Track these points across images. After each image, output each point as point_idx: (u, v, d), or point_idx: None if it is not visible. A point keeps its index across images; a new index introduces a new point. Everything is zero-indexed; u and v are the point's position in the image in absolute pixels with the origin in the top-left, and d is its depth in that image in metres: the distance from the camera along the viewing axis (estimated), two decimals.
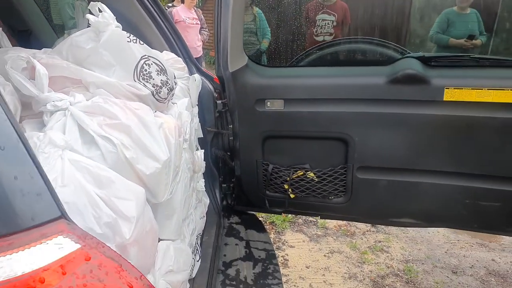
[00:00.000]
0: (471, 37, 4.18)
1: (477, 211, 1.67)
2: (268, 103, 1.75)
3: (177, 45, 1.87)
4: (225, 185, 2.10)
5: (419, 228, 2.95)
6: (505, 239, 2.90)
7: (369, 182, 1.77)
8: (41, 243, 0.57)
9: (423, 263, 2.63)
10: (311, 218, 3.11)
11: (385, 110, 1.65)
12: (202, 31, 5.19)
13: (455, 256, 2.71)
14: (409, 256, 2.70)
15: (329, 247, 2.79)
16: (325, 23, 4.51)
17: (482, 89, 1.52)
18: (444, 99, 1.57)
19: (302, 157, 1.82)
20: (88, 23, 1.15)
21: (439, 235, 2.94)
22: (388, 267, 2.59)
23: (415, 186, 1.70)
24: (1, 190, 0.57)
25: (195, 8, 5.25)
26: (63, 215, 0.63)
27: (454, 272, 2.55)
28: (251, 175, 1.91)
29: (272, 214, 3.04)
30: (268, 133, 1.81)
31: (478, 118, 1.55)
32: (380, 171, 1.74)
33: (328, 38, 4.45)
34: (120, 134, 1.03)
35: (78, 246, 0.59)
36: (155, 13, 1.77)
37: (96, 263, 0.59)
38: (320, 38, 4.47)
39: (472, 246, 2.82)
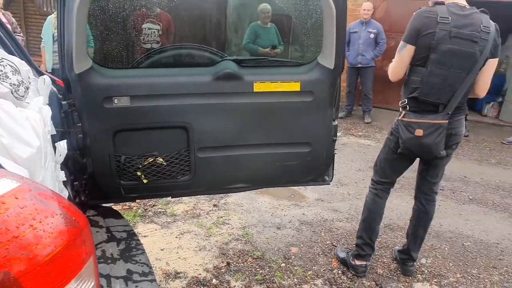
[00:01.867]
0: (274, 47, 5.20)
1: (285, 170, 2.35)
2: (116, 100, 2.04)
3: (15, 49, 1.98)
4: (76, 182, 2.27)
5: (252, 199, 3.65)
6: (310, 198, 3.85)
7: (208, 160, 2.26)
8: None
9: (256, 226, 3.30)
10: (160, 209, 3.46)
11: (213, 101, 2.16)
12: (16, 36, 4.86)
13: (278, 216, 3.49)
14: (245, 223, 3.35)
15: (179, 230, 3.20)
16: (151, 32, 4.91)
17: (277, 82, 2.19)
18: (254, 90, 2.18)
19: (151, 145, 2.18)
20: None
21: (265, 203, 3.69)
22: (230, 235, 3.16)
23: (242, 157, 2.27)
24: None
25: (3, 11, 4.88)
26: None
27: (278, 228, 3.30)
28: (105, 168, 2.16)
29: (123, 211, 3.26)
30: (118, 127, 2.10)
31: (277, 103, 2.21)
32: (215, 149, 2.25)
33: (156, 46, 4.84)
34: None
35: (20, 183, 0.86)
36: None
37: (36, 193, 0.87)
38: (148, 46, 4.83)
39: (289, 207, 3.66)
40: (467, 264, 2.91)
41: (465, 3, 2.23)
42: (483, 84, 2.31)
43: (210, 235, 3.15)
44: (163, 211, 3.46)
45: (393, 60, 2.36)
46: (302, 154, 2.33)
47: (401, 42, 2.27)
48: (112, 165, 2.15)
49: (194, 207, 3.56)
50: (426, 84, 2.22)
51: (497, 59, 2.28)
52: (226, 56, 2.27)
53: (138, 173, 2.20)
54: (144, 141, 2.17)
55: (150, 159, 2.19)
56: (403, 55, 2.26)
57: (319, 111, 2.25)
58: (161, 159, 2.21)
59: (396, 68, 2.34)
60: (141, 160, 2.18)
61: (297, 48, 2.41)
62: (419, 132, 2.25)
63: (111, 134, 2.10)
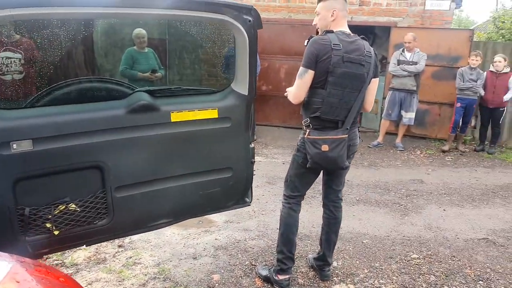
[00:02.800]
0: (154, 71, 5.12)
1: (208, 198, 2.34)
2: (14, 145, 1.79)
3: None
4: None
5: (160, 233, 3.50)
6: (218, 221, 3.87)
7: (127, 199, 2.12)
8: None
9: (171, 261, 3.17)
10: (56, 260, 3.06)
11: (129, 136, 2.06)
12: None
13: (191, 246, 3.41)
14: (159, 259, 3.18)
15: (86, 280, 2.88)
16: (11, 61, 4.36)
17: (194, 110, 2.19)
18: (172, 120, 2.14)
19: (61, 191, 1.95)
20: None
21: (175, 235, 3.58)
22: (145, 275, 2.97)
23: (164, 191, 2.19)
24: None
25: None
26: None
27: (194, 258, 3.23)
28: (4, 224, 1.86)
29: None
30: (19, 175, 1.84)
31: (196, 131, 2.21)
32: (134, 186, 2.13)
33: (18, 77, 4.31)
34: None
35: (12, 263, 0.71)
36: None
37: (31, 271, 0.73)
38: (8, 77, 4.27)
39: (200, 235, 3.62)
40: (370, 259, 3.29)
41: (349, 31, 2.58)
42: (370, 100, 2.68)
43: (123, 279, 2.91)
44: (60, 263, 3.07)
45: (294, 84, 2.54)
46: (225, 180, 2.36)
47: (302, 68, 2.47)
48: (13, 220, 1.86)
49: (96, 252, 3.24)
50: (326, 104, 2.47)
51: (378, 78, 2.68)
52: (137, 87, 2.19)
53: (48, 225, 1.95)
54: (52, 187, 1.94)
55: (61, 207, 1.97)
56: (305, 79, 2.47)
57: (238, 135, 2.32)
58: (74, 205, 2.00)
59: (299, 92, 2.53)
60: (50, 209, 1.94)
61: (210, 76, 2.45)
62: (325, 148, 2.48)
63: (11, 184, 1.83)
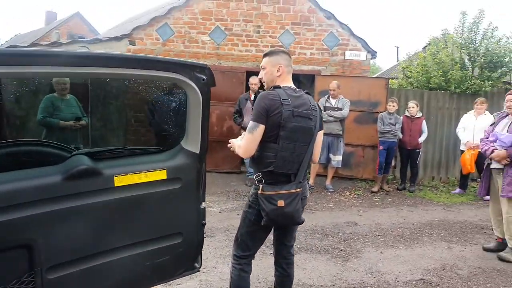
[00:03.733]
0: (78, 119, 4.76)
1: (156, 268, 2.11)
2: None
3: None
4: None
5: None
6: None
7: (61, 280, 1.82)
8: None
9: None
10: None
11: (65, 206, 1.80)
12: None
13: None
14: None
15: None
16: None
17: (141, 172, 2.00)
18: (115, 185, 1.92)
19: None
20: None
21: None
22: None
23: (106, 266, 1.93)
24: None
25: None
26: None
27: None
28: None
29: None
30: None
31: (143, 195, 2.01)
32: (71, 264, 1.85)
33: None
34: None
35: None
36: None
37: None
38: None
39: None
40: None
41: (295, 86, 2.61)
42: (317, 151, 2.71)
43: None
44: None
45: (244, 138, 2.48)
46: (174, 246, 2.16)
47: (252, 123, 2.42)
48: None
49: None
50: (279, 158, 2.43)
51: (323, 130, 2.73)
52: (75, 150, 1.95)
53: None
54: None
55: None
56: (256, 134, 2.42)
57: (188, 196, 2.17)
58: None
59: (250, 146, 2.46)
60: None
61: (157, 134, 2.28)
62: (280, 203, 2.41)
63: None
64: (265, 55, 2.65)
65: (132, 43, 8.04)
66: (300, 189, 2.51)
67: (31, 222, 1.70)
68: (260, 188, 2.47)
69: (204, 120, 2.09)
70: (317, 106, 2.63)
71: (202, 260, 3.99)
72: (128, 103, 2.18)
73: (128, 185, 1.97)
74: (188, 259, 2.26)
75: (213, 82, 2.07)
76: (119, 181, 1.94)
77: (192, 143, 2.12)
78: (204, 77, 2.02)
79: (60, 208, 1.77)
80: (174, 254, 2.17)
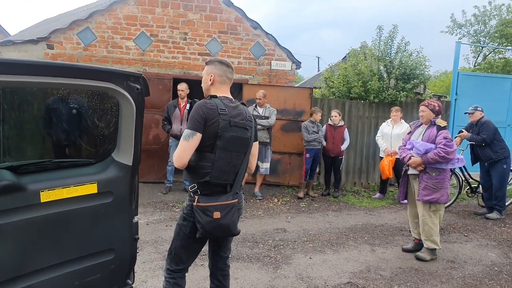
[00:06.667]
0: None
1: (86, 286, 2.04)
2: None
3: None
4: None
5: None
6: None
7: None
8: None
9: None
10: None
11: None
12: None
13: None
14: None
15: None
16: None
17: (70, 186, 1.93)
18: (42, 201, 1.83)
19: None
20: None
21: None
22: None
23: (34, 286, 1.82)
24: None
25: None
26: None
27: None
28: None
29: None
30: None
31: (72, 210, 1.94)
32: None
33: None
34: None
35: None
36: None
37: None
38: None
39: None
40: None
41: (231, 97, 2.68)
42: (253, 162, 2.79)
43: None
44: None
45: (179, 146, 2.44)
46: (106, 263, 2.10)
47: (188, 131, 2.41)
48: None
49: None
50: (216, 168, 2.46)
51: (258, 141, 2.83)
52: None
53: None
54: None
55: None
56: (192, 142, 2.41)
57: (121, 210, 2.13)
58: None
59: (184, 154, 2.42)
60: None
61: (85, 145, 2.19)
62: (217, 215, 2.44)
63: None
64: (206, 63, 2.71)
65: (50, 47, 7.56)
66: (237, 200, 2.57)
67: None
68: (196, 199, 2.47)
69: (137, 131, 2.07)
70: (252, 117, 2.72)
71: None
72: (51, 109, 2.07)
73: (56, 200, 1.88)
74: (121, 276, 2.21)
75: (148, 91, 2.07)
76: (46, 196, 1.85)
77: (124, 154, 2.08)
78: (138, 86, 2.00)
79: None
80: (105, 271, 2.10)
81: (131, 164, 2.10)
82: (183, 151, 2.43)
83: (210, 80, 2.62)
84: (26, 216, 1.78)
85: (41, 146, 2.06)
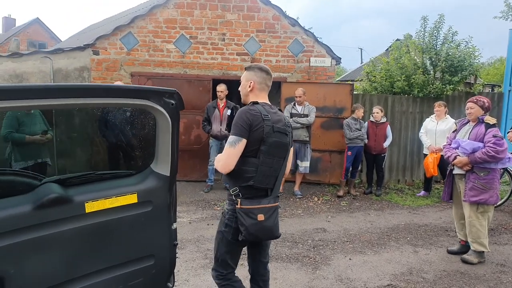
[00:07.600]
0: (44, 132, 4.72)
1: None
2: None
3: None
4: None
5: None
6: None
7: None
8: None
9: None
10: None
11: (37, 235, 1.84)
12: None
13: None
14: None
15: None
16: None
17: (111, 197, 2.07)
18: (86, 211, 1.98)
19: None
20: None
21: None
22: None
23: None
24: None
25: None
26: None
27: None
28: None
29: None
30: None
31: (114, 220, 2.08)
32: None
33: None
34: None
35: None
36: None
37: None
38: None
39: None
40: None
41: (270, 103, 2.72)
42: (289, 166, 2.83)
43: None
44: None
45: (224, 153, 2.51)
46: (147, 268, 2.23)
47: (234, 137, 2.47)
48: None
49: None
50: (260, 172, 2.51)
51: (293, 146, 2.86)
52: (44, 177, 1.99)
53: None
54: None
55: None
56: (238, 148, 2.46)
57: (160, 218, 2.24)
58: None
59: (230, 160, 2.49)
60: None
61: (126, 158, 2.34)
62: (261, 217, 2.50)
63: None
64: (245, 69, 2.77)
65: (96, 52, 7.96)
66: (277, 203, 2.63)
67: (2, 254, 1.73)
68: (239, 202, 2.52)
69: (174, 143, 2.17)
70: (290, 123, 2.76)
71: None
72: (94, 126, 2.23)
73: (99, 210, 2.02)
74: (161, 280, 2.33)
75: (182, 105, 2.16)
76: (90, 207, 1.99)
77: (162, 165, 2.20)
78: (173, 101, 2.11)
79: (31, 237, 1.81)
80: (147, 276, 2.23)
81: (168, 174, 2.21)
82: (229, 158, 2.49)
83: (250, 86, 2.68)
84: (72, 226, 1.94)
85: (86, 159, 2.22)
